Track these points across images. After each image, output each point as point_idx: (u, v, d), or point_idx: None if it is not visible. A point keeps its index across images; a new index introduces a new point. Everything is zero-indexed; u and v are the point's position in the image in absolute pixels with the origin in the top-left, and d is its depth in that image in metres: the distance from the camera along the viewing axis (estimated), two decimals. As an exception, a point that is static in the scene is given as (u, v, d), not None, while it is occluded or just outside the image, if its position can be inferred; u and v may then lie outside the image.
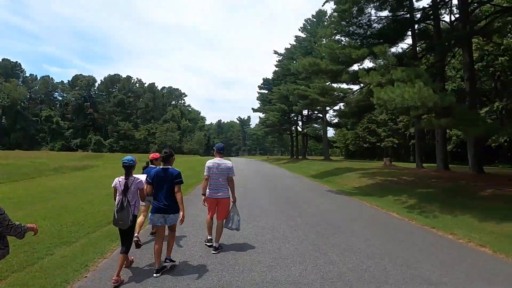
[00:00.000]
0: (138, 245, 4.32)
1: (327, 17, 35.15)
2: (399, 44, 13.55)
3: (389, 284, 3.19)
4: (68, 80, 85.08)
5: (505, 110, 23.84)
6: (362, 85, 11.95)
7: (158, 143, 73.68)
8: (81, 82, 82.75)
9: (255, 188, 11.22)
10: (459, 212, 6.89)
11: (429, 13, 13.30)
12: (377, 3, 11.23)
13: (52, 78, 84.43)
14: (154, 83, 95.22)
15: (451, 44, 12.20)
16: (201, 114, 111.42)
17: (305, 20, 38.11)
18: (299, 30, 38.37)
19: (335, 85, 15.46)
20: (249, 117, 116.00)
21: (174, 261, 3.73)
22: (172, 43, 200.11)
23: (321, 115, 37.76)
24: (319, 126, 42.39)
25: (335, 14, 11.82)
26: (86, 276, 3.40)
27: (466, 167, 16.15)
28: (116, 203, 3.39)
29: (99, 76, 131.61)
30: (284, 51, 40.64)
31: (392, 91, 7.30)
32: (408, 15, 12.42)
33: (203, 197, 4.47)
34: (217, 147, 4.60)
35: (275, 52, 42.24)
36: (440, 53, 12.93)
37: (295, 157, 44.24)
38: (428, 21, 14.49)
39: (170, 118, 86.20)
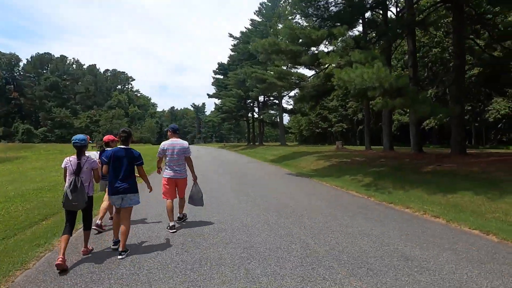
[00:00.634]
0: (100, 231, 4.19)
1: (282, 1, 35.01)
2: (355, 29, 13.97)
3: (370, 264, 3.06)
4: (-18, 58, 70.99)
5: (435, 97, 26.99)
6: (322, 67, 12.03)
7: (103, 131, 66.86)
8: (1, 62, 69.86)
9: (215, 176, 10.67)
10: (409, 187, 7.36)
11: (380, 1, 13.89)
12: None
13: (-42, 54, 69.52)
14: (95, 65, 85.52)
15: (397, 33, 12.95)
16: (152, 101, 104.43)
17: (260, 4, 37.39)
18: (255, 13, 37.59)
19: (293, 70, 15.44)
20: (204, 103, 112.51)
21: (127, 251, 3.43)
22: (114, 21, 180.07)
23: (277, 101, 38.18)
24: (275, 112, 42.92)
25: (294, -7, 11.53)
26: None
27: (407, 148, 17.87)
28: (67, 184, 3.21)
29: (25, 55, 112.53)
30: (239, 34, 39.57)
31: (352, 72, 7.34)
32: (361, 1, 12.76)
33: (158, 169, 4.58)
34: (171, 128, 4.58)
35: (230, 36, 40.94)
36: (388, 40, 13.67)
37: (252, 143, 44.38)
38: (378, 9, 15.18)
39: (116, 104, 78.80)
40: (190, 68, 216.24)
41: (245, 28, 38.45)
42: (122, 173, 3.45)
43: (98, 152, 4.39)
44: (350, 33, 12.35)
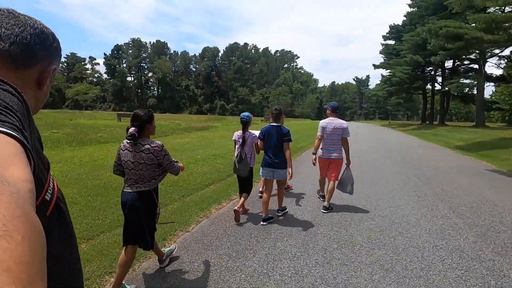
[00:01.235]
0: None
1: None
2: None
3: None
4: (199, 53, 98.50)
5: None
6: None
7: (271, 107, 76.58)
8: (208, 54, 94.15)
9: (375, 160, 9.00)
10: None
11: None
12: None
13: (188, 52, 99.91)
14: (267, 47, 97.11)
15: None
16: (314, 77, 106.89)
17: None
18: None
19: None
20: (367, 76, 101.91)
21: (285, 209, 4.08)
22: (281, 6, 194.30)
23: (476, 66, 27.83)
24: (470, 82, 31.85)
25: None
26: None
27: None
28: (235, 155, 3.85)
29: (222, 47, 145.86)
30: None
31: None
32: None
33: (313, 156, 4.46)
34: (331, 106, 4.41)
35: (410, -13, 32.98)
36: None
37: (427, 122, 35.78)
38: None
39: (282, 82, 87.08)
40: (353, 39, 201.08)
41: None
42: (273, 149, 3.74)
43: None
44: None
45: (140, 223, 2.24)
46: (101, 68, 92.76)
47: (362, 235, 3.43)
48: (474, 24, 12.88)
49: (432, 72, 34.48)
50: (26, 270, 0.26)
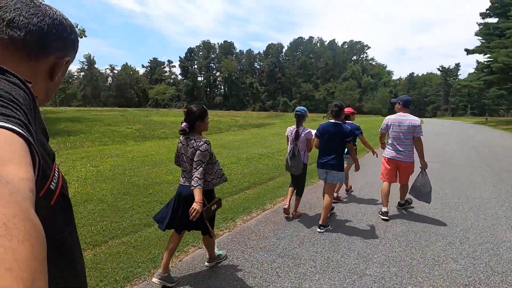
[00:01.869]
0: (337, 202, 4.35)
1: None
2: None
3: None
4: (263, 51, 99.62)
5: None
6: None
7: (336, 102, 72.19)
8: (272, 51, 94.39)
9: (460, 168, 6.97)
10: None
11: None
12: None
13: (253, 51, 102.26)
14: (334, 39, 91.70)
15: None
16: (387, 68, 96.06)
17: None
18: None
19: None
20: (457, 65, 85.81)
21: (327, 225, 3.45)
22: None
23: None
24: None
25: None
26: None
27: None
28: (288, 151, 3.65)
29: (286, 43, 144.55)
30: None
31: None
32: None
33: (381, 144, 4.11)
34: (403, 100, 3.88)
35: None
36: None
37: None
38: None
39: (349, 75, 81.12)
40: (437, 22, 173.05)
41: None
42: (329, 148, 3.42)
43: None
44: None
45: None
46: (177, 70, 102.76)
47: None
48: None
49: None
50: (28, 269, 0.27)
